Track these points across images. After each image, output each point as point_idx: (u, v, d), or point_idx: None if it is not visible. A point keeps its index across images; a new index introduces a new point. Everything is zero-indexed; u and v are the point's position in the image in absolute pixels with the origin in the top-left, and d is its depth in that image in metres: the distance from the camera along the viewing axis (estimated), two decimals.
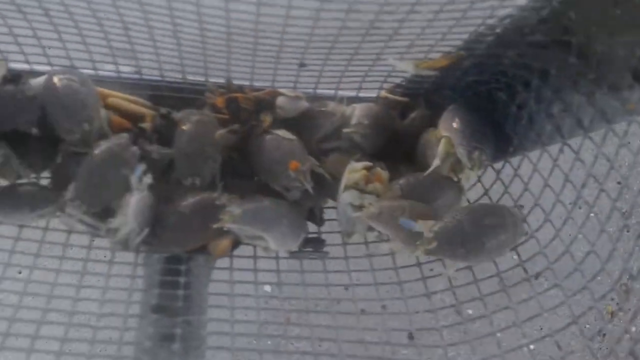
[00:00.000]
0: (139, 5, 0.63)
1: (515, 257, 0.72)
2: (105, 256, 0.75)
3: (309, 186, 0.74)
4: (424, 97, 0.82)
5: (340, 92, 0.83)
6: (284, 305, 0.71)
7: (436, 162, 0.73)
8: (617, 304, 0.61)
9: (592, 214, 0.64)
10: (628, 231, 0.60)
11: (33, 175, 0.79)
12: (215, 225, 0.70)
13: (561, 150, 0.68)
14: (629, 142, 0.60)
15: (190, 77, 0.81)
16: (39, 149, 0.79)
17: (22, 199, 0.75)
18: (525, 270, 0.71)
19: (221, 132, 0.78)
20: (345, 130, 0.79)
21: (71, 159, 0.77)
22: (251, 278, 0.74)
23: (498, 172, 0.79)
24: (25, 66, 0.80)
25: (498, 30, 0.67)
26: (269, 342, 0.65)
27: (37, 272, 0.72)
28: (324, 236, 0.81)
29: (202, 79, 0.81)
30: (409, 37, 0.67)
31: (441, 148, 0.74)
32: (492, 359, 0.63)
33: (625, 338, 0.57)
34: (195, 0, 0.60)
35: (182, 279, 0.72)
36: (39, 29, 0.72)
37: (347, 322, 0.70)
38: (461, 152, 0.72)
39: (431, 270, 0.75)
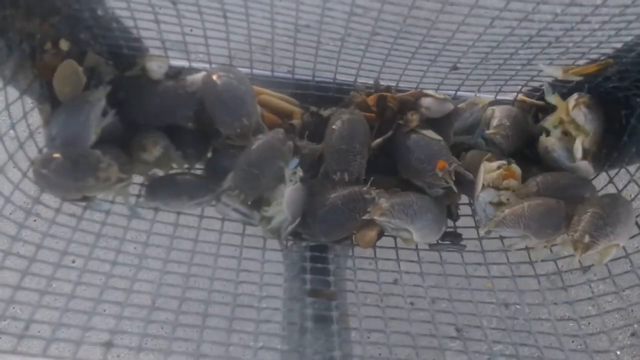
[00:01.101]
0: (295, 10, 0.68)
1: None
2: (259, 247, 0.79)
3: (453, 185, 0.77)
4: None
5: (480, 95, 0.86)
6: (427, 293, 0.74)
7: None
8: None
9: None
10: None
11: (186, 166, 0.85)
12: (364, 217, 0.74)
13: None
14: None
15: (340, 77, 0.85)
16: (193, 142, 0.84)
17: (182, 188, 0.80)
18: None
19: (377, 141, 0.83)
20: (487, 131, 0.82)
21: (224, 152, 0.82)
22: (395, 267, 0.77)
23: (632, 174, 0.81)
24: (185, 63, 0.85)
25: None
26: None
27: (198, 256, 0.77)
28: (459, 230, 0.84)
29: (350, 78, 0.85)
30: (567, 45, 0.70)
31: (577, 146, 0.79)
32: None
33: None
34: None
35: (331, 266, 0.76)
36: (209, 28, 0.77)
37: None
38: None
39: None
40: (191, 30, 0.78)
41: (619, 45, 0.71)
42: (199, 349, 0.61)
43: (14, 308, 0.63)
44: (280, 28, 0.74)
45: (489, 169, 0.79)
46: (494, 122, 0.82)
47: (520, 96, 0.87)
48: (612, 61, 0.74)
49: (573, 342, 0.69)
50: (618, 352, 0.67)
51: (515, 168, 0.80)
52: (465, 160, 0.83)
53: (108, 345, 0.59)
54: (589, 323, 0.73)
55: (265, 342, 0.65)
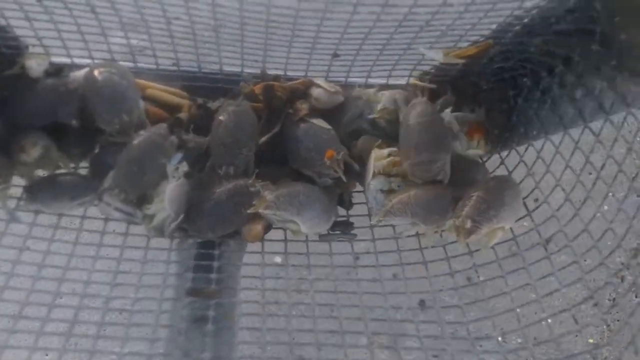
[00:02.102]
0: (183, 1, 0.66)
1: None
2: (141, 243, 0.77)
3: (342, 174, 0.76)
4: (450, 84, 0.84)
5: (371, 80, 0.86)
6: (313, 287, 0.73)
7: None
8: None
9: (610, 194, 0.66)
10: None
11: (72, 165, 0.83)
12: (249, 211, 0.73)
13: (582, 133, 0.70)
14: None
15: (227, 68, 0.83)
16: (78, 140, 0.82)
17: (62, 189, 0.78)
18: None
19: (263, 139, 0.81)
20: (370, 115, 0.81)
21: (109, 149, 0.80)
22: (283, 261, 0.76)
23: (521, 154, 0.81)
24: (66, 60, 0.83)
25: (526, 20, 0.68)
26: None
27: (75, 259, 0.75)
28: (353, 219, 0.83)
29: (237, 69, 0.84)
30: (440, 28, 0.69)
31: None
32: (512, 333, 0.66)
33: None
34: None
35: (215, 263, 0.75)
36: (83, 24, 0.75)
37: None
38: None
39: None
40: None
41: (494, 27, 0.70)
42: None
43: None
44: (152, 22, 0.72)
45: (380, 157, 0.78)
46: (379, 106, 0.81)
47: (412, 80, 0.85)
48: (492, 42, 0.73)
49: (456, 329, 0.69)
50: (500, 338, 0.66)
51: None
52: (357, 146, 0.82)
53: None
54: (471, 310, 0.72)
55: (131, 348, 0.63)
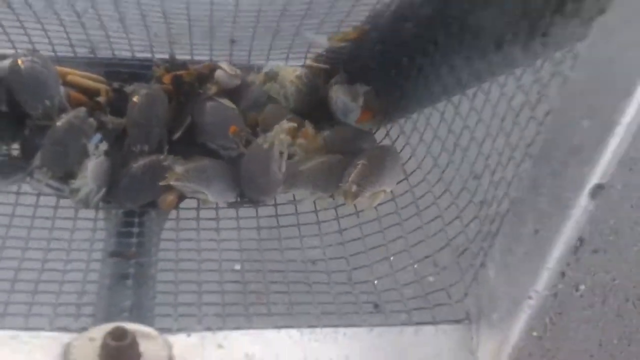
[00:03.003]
0: None
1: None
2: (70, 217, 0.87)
3: (243, 149, 0.87)
4: (343, 65, 0.95)
5: (271, 62, 0.95)
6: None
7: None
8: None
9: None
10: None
11: (4, 148, 0.91)
12: (161, 183, 0.83)
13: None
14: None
15: (138, 55, 0.92)
16: (7, 124, 0.91)
17: None
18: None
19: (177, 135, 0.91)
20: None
21: (37, 132, 0.89)
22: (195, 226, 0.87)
23: (402, 126, 0.92)
24: None
25: (392, 7, 0.79)
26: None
27: (13, 229, 0.84)
28: None
29: (149, 55, 0.93)
30: (319, 16, 0.79)
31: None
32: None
33: None
34: None
35: (135, 229, 0.85)
36: (3, 19, 0.83)
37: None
38: None
39: None
40: None
41: (367, 13, 0.81)
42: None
43: None
44: (64, 15, 0.81)
45: (281, 130, 0.88)
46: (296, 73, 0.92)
47: (308, 62, 0.96)
48: (367, 27, 0.84)
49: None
50: (375, 282, 0.78)
51: (308, 130, 0.89)
52: (263, 114, 0.92)
53: None
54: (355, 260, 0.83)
55: (64, 299, 0.73)
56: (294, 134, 0.88)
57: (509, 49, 0.67)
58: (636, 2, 0.47)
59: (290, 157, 0.87)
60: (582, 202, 0.55)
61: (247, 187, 0.88)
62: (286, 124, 0.88)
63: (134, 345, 0.58)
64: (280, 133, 0.87)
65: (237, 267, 0.81)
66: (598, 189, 0.53)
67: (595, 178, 0.53)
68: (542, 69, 0.62)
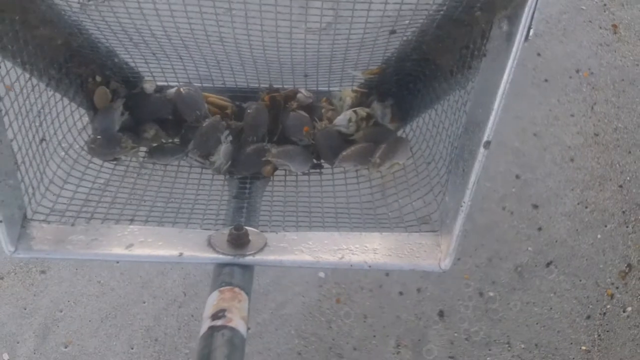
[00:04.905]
0: (221, 43, 1.34)
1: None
2: (210, 179, 1.46)
3: (311, 140, 1.44)
4: (375, 88, 1.50)
5: (331, 88, 1.52)
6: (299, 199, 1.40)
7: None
8: None
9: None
10: None
11: (170, 140, 1.52)
12: (263, 159, 1.40)
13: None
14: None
15: (250, 84, 1.52)
16: (173, 125, 1.51)
17: (167, 151, 1.47)
18: None
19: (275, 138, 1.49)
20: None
21: (190, 130, 1.48)
22: (283, 185, 1.44)
23: (412, 126, 1.47)
24: (164, 83, 1.52)
25: (396, 54, 1.34)
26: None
27: (176, 184, 1.43)
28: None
29: (256, 85, 1.52)
30: (354, 59, 1.36)
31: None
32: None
33: None
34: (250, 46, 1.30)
35: (247, 186, 1.42)
36: (174, 62, 1.44)
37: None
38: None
39: None
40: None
41: (384, 57, 1.37)
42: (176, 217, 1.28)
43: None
44: (208, 60, 1.41)
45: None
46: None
47: (354, 87, 1.52)
48: (385, 66, 1.39)
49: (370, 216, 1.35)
50: (389, 213, 1.32)
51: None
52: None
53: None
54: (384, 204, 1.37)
55: (207, 216, 1.31)
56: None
57: (455, 75, 1.22)
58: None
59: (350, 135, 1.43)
60: (481, 151, 1.06)
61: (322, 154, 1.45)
62: (361, 110, 1.44)
63: (246, 235, 1.13)
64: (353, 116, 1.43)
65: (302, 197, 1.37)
66: (487, 143, 1.05)
67: (485, 137, 1.04)
68: (469, 85, 1.16)
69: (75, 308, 2.15)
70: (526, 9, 0.89)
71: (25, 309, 2.15)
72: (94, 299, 2.17)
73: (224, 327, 0.94)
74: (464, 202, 1.08)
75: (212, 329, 0.94)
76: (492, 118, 0.98)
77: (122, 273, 2.20)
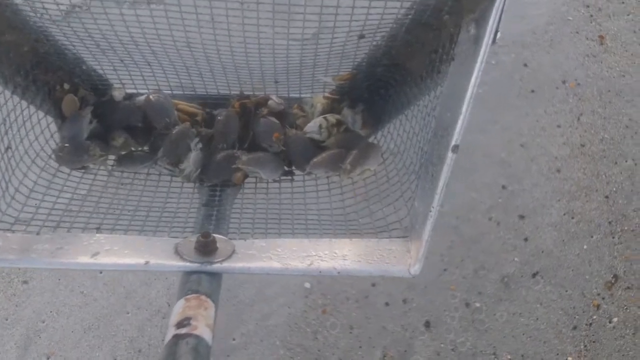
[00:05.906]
0: (189, 51, 1.32)
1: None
2: (179, 186, 1.44)
3: (282, 147, 1.43)
4: (347, 94, 1.50)
5: (302, 95, 1.51)
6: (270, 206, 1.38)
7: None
8: None
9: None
10: None
11: (139, 148, 1.50)
12: (234, 166, 1.39)
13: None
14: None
15: (221, 91, 1.50)
16: (142, 133, 1.49)
17: (136, 158, 1.45)
18: None
19: (245, 145, 1.48)
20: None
21: (159, 137, 1.47)
22: (253, 192, 1.42)
23: (382, 131, 1.46)
24: (134, 90, 1.51)
25: (366, 60, 1.34)
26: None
27: (144, 193, 1.41)
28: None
29: (227, 92, 1.50)
30: (324, 66, 1.35)
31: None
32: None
33: None
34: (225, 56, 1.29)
35: (217, 194, 1.41)
36: (142, 70, 1.43)
37: None
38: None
39: None
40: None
41: (354, 63, 1.36)
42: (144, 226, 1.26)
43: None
44: (177, 67, 1.40)
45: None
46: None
47: (326, 94, 1.51)
48: (356, 71, 1.39)
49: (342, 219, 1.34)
50: (360, 220, 1.31)
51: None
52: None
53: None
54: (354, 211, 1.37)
55: (176, 224, 1.29)
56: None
57: (425, 80, 1.22)
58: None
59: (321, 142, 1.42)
60: (449, 155, 1.05)
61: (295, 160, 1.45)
62: (332, 117, 1.44)
63: (213, 242, 1.10)
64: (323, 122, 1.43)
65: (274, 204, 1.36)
66: (455, 147, 1.05)
67: (453, 141, 1.03)
68: (438, 89, 1.16)
69: (58, 319, 2.12)
70: (493, 12, 0.89)
71: (6, 320, 2.12)
72: (77, 310, 2.14)
73: (188, 335, 0.93)
74: (433, 207, 1.07)
75: (177, 337, 0.93)
76: (460, 122, 0.97)
77: (106, 283, 2.19)
